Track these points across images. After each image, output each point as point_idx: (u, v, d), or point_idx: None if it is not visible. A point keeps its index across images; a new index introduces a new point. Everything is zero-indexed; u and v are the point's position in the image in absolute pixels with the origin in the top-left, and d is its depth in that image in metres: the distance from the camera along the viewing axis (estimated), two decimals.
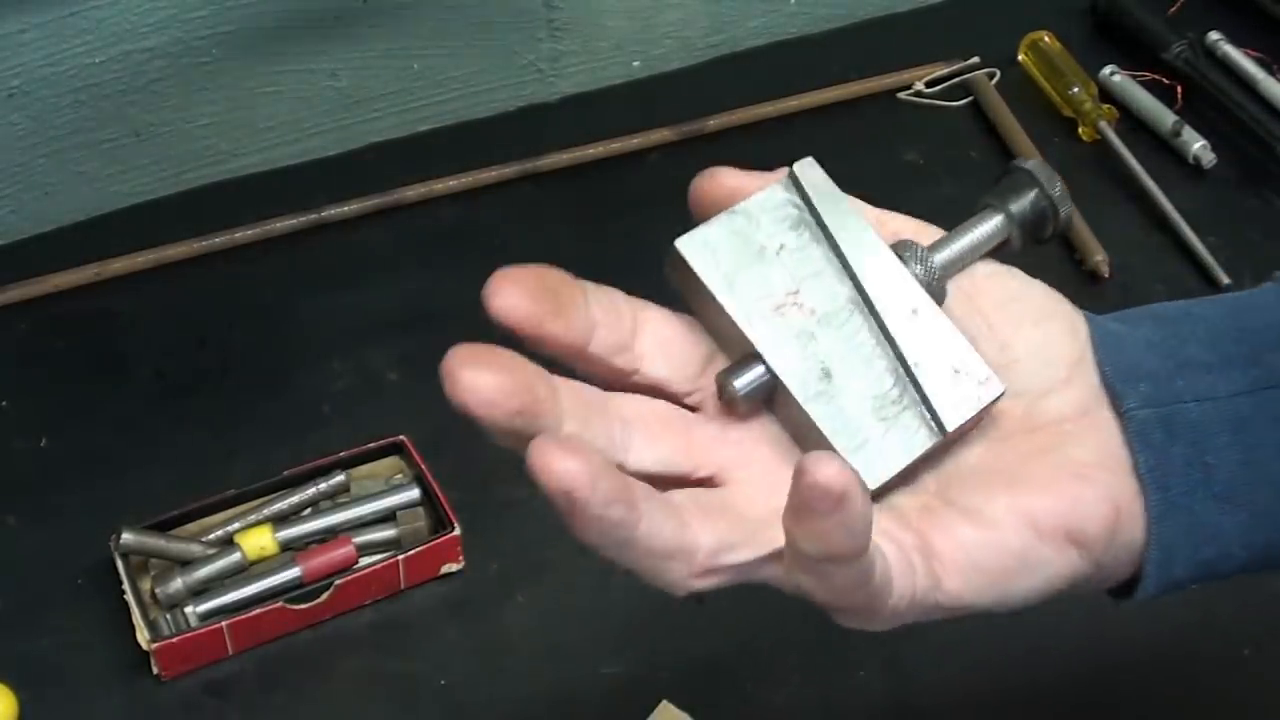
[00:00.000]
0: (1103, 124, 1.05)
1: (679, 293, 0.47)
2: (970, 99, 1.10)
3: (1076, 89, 1.07)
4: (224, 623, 0.76)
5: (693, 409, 0.46)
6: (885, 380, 0.46)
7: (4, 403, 0.89)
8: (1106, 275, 0.96)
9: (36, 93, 0.95)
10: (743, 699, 0.76)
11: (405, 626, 0.79)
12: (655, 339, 0.46)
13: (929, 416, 0.46)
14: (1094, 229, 0.98)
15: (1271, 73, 1.09)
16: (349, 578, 0.78)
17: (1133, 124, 1.07)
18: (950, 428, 0.46)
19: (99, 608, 0.78)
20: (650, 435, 0.45)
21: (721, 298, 0.46)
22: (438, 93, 1.07)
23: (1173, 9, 1.15)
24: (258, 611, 0.76)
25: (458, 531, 0.79)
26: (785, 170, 0.48)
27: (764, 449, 0.46)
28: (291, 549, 0.80)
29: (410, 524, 0.81)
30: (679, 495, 0.43)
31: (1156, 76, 1.09)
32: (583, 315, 0.44)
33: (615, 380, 0.45)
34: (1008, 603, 0.46)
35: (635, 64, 1.12)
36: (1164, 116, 1.05)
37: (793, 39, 1.16)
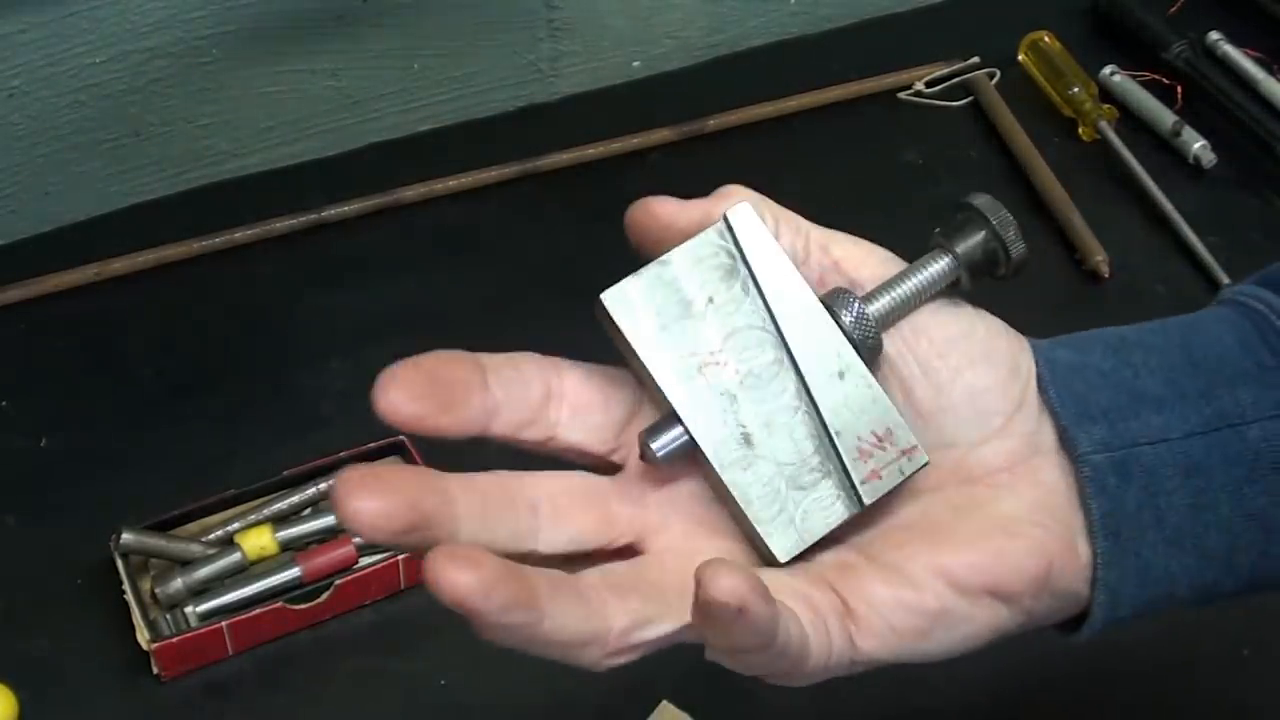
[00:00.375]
0: (1103, 124, 1.05)
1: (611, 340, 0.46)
2: (970, 99, 1.10)
3: (1076, 89, 1.07)
4: (224, 623, 0.76)
5: (618, 465, 0.46)
6: (806, 446, 0.45)
7: (4, 403, 0.89)
8: (1106, 275, 0.96)
9: (36, 93, 0.95)
10: (743, 699, 0.75)
11: (405, 626, 0.79)
12: (571, 404, 0.45)
13: (848, 487, 0.45)
14: (1094, 229, 0.98)
15: (1271, 73, 1.09)
16: (349, 578, 0.78)
17: (1133, 124, 1.07)
18: (867, 501, 0.45)
19: (99, 608, 0.78)
20: (560, 516, 0.44)
21: (645, 356, 0.44)
22: (438, 93, 1.07)
23: (1173, 9, 1.15)
24: (258, 611, 0.76)
25: None
26: (722, 195, 0.47)
27: (684, 510, 0.46)
28: (291, 549, 0.80)
29: None
30: (590, 576, 0.42)
31: (1156, 76, 1.09)
32: (477, 403, 0.43)
33: (531, 449, 0.45)
34: (925, 657, 0.45)
35: (635, 64, 1.12)
36: (1164, 116, 1.05)
37: (793, 39, 1.16)
